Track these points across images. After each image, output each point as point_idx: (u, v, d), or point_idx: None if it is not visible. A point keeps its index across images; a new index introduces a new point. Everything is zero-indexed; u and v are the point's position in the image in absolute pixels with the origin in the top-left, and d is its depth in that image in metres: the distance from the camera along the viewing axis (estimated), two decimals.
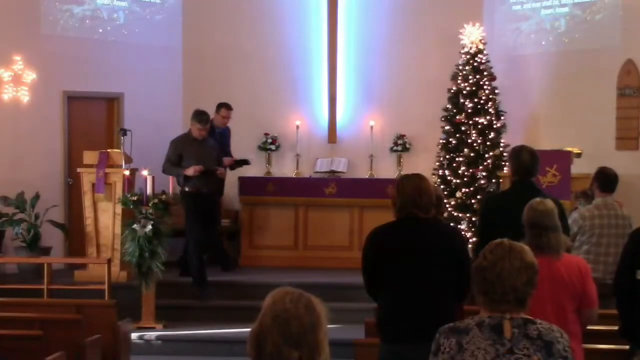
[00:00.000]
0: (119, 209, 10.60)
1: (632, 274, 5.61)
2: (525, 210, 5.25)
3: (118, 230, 10.62)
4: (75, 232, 11.69)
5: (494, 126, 11.60)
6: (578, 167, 10.26)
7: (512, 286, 3.47)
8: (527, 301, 3.51)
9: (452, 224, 5.29)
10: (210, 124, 10.98)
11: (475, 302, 3.58)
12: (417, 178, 5.31)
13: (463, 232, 11.45)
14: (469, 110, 11.60)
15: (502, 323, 3.46)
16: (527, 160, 6.38)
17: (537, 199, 5.32)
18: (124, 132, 11.23)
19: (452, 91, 11.82)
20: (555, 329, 3.51)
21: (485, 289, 3.50)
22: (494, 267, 3.50)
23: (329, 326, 2.90)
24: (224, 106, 11.69)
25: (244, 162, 11.89)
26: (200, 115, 10.67)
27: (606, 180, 7.85)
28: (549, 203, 5.24)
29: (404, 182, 5.30)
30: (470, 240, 11.48)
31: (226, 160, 11.41)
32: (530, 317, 3.52)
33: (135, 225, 9.67)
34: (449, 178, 11.59)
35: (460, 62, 11.81)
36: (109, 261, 9.89)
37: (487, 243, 5.70)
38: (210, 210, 10.79)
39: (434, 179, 11.78)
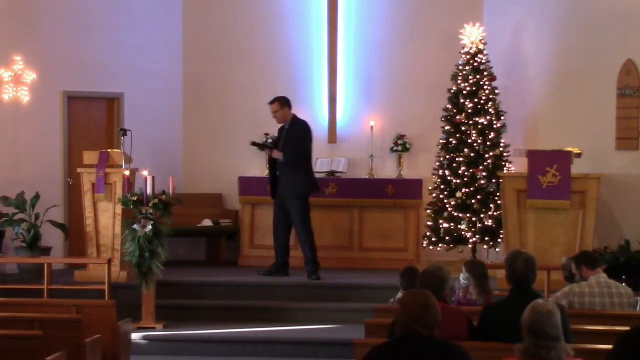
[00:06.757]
0: (119, 209, 10.60)
1: None
2: (526, 311, 4.81)
3: (118, 230, 10.63)
4: (75, 232, 11.70)
5: (494, 126, 11.59)
6: (578, 167, 10.26)
7: None
8: None
9: (457, 343, 4.85)
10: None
11: None
12: (423, 294, 4.91)
13: (463, 233, 11.44)
14: (469, 110, 11.59)
15: None
16: (521, 269, 6.04)
17: (540, 301, 4.92)
18: (124, 132, 11.24)
19: (452, 91, 11.80)
20: None
21: None
22: None
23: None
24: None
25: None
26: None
27: (590, 258, 7.46)
28: (551, 306, 4.82)
29: (407, 297, 4.93)
30: (472, 240, 11.50)
31: None
32: None
33: (135, 225, 9.67)
34: (449, 178, 11.57)
35: (460, 62, 11.80)
36: (109, 261, 9.89)
37: None
38: None
39: (434, 179, 11.77)
